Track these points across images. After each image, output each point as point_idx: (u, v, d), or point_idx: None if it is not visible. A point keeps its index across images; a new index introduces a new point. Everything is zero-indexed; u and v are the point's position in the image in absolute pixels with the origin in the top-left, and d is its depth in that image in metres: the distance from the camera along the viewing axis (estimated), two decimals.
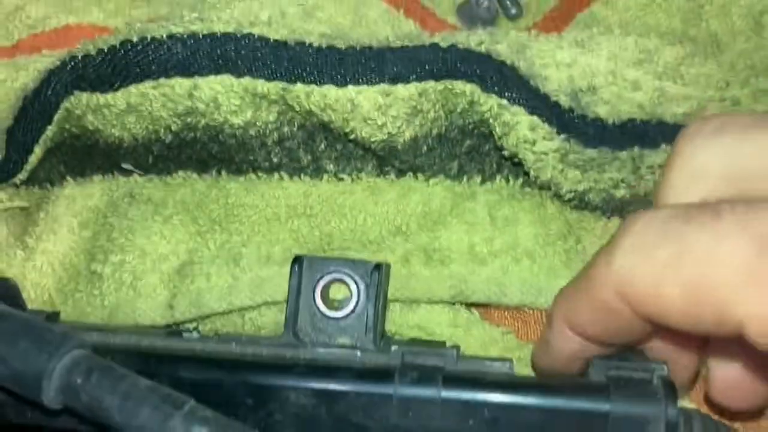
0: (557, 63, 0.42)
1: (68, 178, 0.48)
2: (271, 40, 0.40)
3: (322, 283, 0.38)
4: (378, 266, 0.38)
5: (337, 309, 0.38)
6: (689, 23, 0.47)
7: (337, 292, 0.39)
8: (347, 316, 0.38)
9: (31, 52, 0.52)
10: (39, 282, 0.45)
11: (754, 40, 0.44)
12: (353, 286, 0.38)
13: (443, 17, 0.53)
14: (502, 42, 0.41)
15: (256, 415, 0.34)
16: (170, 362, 0.35)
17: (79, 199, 0.47)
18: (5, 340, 0.31)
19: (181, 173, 0.46)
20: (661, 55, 0.43)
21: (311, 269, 0.38)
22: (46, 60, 0.49)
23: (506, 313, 0.43)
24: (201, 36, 0.40)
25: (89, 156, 0.47)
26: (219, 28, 0.40)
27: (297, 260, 0.38)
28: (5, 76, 0.48)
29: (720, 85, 0.43)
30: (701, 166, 0.31)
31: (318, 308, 0.38)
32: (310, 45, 0.40)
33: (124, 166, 0.47)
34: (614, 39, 0.43)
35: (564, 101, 0.41)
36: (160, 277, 0.43)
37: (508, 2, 0.54)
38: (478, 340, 0.42)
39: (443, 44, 0.40)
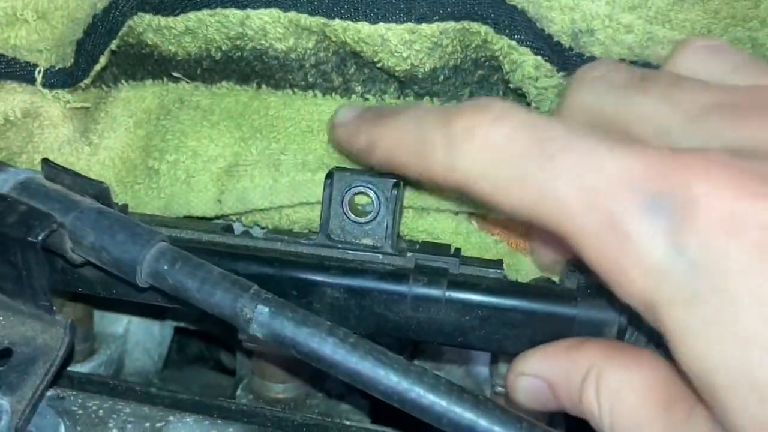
0: (561, 6, 0.46)
1: (122, 81, 0.53)
2: None
3: (349, 195, 0.44)
4: (396, 183, 0.43)
5: (361, 215, 0.44)
6: None
7: (362, 200, 0.45)
8: (370, 222, 0.44)
9: None
10: (102, 174, 0.51)
11: None
12: (375, 199, 0.44)
13: None
14: None
15: (298, 304, 0.41)
16: (230, 258, 0.41)
17: (133, 101, 0.52)
18: (107, 234, 0.37)
19: (225, 84, 0.51)
20: (653, 1, 0.47)
21: (341, 182, 0.44)
22: None
23: (498, 224, 0.49)
24: None
25: (142, 62, 0.52)
26: None
27: (329, 175, 0.44)
28: None
29: (702, 32, 0.47)
30: (577, 103, 0.38)
31: (346, 215, 0.44)
32: None
33: (174, 74, 0.51)
34: None
35: (565, 41, 0.46)
36: (210, 176, 0.49)
37: None
38: (475, 246, 0.48)
39: None
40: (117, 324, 0.66)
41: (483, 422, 0.31)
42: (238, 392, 0.59)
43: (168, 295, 0.38)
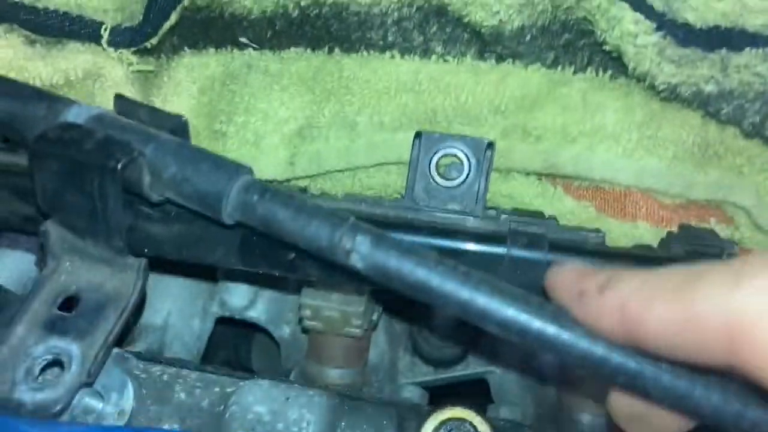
0: None
1: (185, 48, 0.49)
2: None
3: (437, 156, 0.40)
4: (490, 144, 0.40)
5: (449, 179, 0.40)
6: None
7: (448, 163, 0.41)
8: (459, 185, 0.40)
9: None
10: None
11: None
12: (465, 161, 0.40)
13: None
14: None
15: None
16: None
17: (197, 68, 0.48)
18: (190, 163, 0.33)
19: (293, 50, 0.47)
20: None
21: (429, 143, 0.40)
22: None
23: (586, 190, 0.45)
24: None
25: (205, 30, 0.48)
26: None
27: (417, 135, 0.40)
28: None
29: None
30: None
31: (433, 178, 0.40)
32: None
33: (242, 39, 0.48)
34: None
35: (657, 5, 0.42)
36: (281, 138, 0.45)
37: None
38: (561, 210, 0.44)
39: None
40: (157, 315, 0.62)
41: (616, 356, 0.27)
42: (291, 378, 0.54)
43: (253, 235, 0.33)
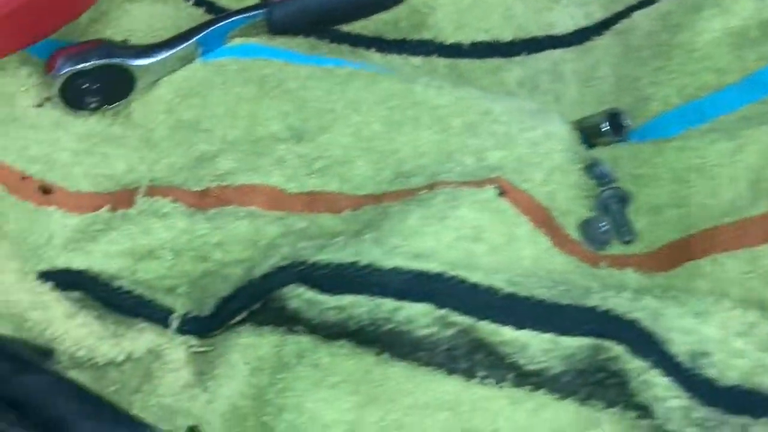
0: (680, 329, 0.47)
1: (243, 326, 0.51)
2: (469, 283, 0.44)
3: None
4: None
5: None
6: None
7: None
8: None
9: (217, 204, 0.54)
10: (212, 422, 0.48)
11: None
12: None
13: (568, 232, 0.57)
14: (641, 310, 0.46)
15: None
16: None
17: (251, 349, 0.50)
18: None
19: (345, 342, 0.49)
20: (761, 328, 0.48)
21: None
22: (241, 224, 0.52)
23: None
24: (417, 273, 0.44)
25: (268, 310, 0.50)
26: (432, 267, 0.44)
27: None
28: (204, 231, 0.51)
29: None
30: None
31: None
32: (499, 290, 0.44)
33: (296, 329, 0.49)
34: (723, 310, 0.48)
35: (684, 360, 0.46)
36: None
37: (624, 229, 0.58)
38: None
39: (599, 308, 0.45)
40: None
41: None
42: None
43: None
